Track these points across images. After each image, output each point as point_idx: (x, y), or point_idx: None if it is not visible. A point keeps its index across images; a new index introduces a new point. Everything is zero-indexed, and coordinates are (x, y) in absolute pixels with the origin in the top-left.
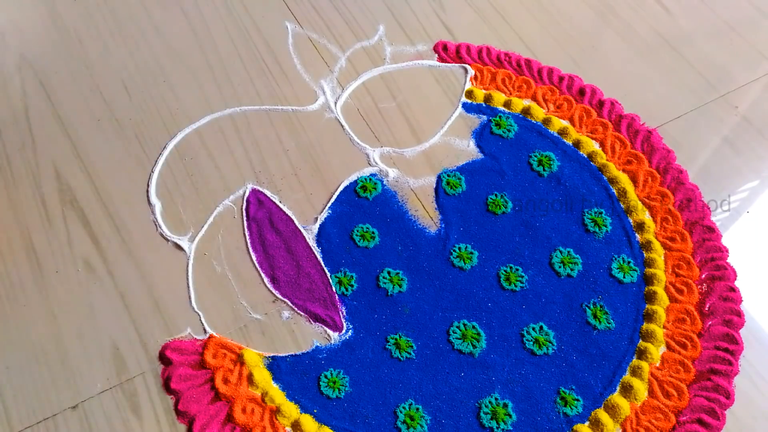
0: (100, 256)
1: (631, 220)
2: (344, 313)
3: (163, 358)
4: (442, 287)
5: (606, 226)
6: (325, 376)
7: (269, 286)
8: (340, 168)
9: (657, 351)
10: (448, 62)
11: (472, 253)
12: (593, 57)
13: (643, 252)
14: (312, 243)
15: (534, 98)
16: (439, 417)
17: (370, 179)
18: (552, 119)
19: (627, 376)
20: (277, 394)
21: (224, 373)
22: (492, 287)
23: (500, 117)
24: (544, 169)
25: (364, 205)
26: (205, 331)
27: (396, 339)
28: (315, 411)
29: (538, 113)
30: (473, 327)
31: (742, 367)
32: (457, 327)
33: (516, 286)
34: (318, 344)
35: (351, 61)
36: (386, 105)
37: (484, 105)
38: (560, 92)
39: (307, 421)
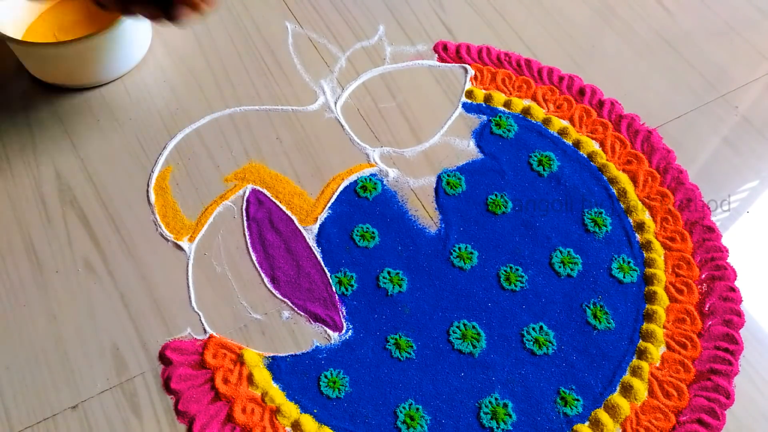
0: (100, 256)
1: (631, 220)
2: (344, 313)
3: (163, 358)
4: (442, 287)
5: (606, 226)
6: (325, 376)
7: (269, 286)
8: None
9: (657, 351)
10: (448, 62)
11: (472, 253)
12: (593, 57)
13: (643, 252)
14: (312, 243)
15: (534, 98)
16: (439, 417)
17: (370, 179)
18: (552, 119)
19: (627, 376)
20: (277, 394)
21: (224, 373)
22: (492, 287)
23: (500, 117)
24: (544, 169)
25: (364, 205)
26: (205, 331)
27: (396, 339)
28: (315, 411)
29: (538, 113)
30: (473, 327)
31: (742, 367)
32: (457, 327)
33: (516, 286)
34: (318, 344)
35: (351, 61)
36: (386, 105)
37: (484, 105)
38: (560, 92)
39: (307, 421)
